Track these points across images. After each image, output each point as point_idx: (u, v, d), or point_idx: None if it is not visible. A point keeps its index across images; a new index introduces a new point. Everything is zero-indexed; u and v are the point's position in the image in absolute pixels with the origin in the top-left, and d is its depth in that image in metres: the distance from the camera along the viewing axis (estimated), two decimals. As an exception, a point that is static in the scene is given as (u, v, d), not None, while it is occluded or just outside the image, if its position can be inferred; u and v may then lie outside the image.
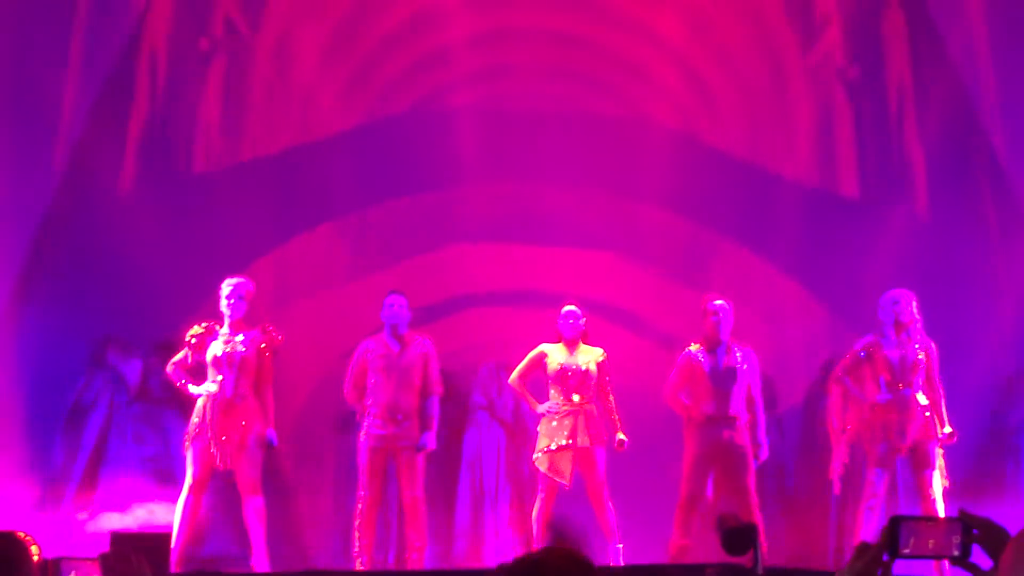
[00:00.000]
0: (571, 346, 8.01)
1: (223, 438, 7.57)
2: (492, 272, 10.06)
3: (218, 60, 9.98)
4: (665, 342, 9.41)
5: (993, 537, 2.34)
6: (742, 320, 8.21)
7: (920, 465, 7.85)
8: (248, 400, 7.67)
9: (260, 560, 7.55)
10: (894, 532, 2.34)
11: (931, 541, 2.34)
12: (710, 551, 6.51)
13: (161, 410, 9.09)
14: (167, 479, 8.71)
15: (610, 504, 7.75)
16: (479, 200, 10.05)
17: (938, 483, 7.80)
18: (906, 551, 2.34)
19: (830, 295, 9.88)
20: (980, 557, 2.40)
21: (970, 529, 2.35)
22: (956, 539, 2.35)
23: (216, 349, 7.71)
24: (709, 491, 7.91)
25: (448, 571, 7.28)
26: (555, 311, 8.08)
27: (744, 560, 3.83)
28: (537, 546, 7.48)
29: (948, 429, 7.88)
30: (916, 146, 10.03)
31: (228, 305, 7.77)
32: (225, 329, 7.78)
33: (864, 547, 2.35)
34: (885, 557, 2.34)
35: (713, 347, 7.95)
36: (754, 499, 7.79)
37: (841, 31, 10.16)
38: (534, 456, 7.90)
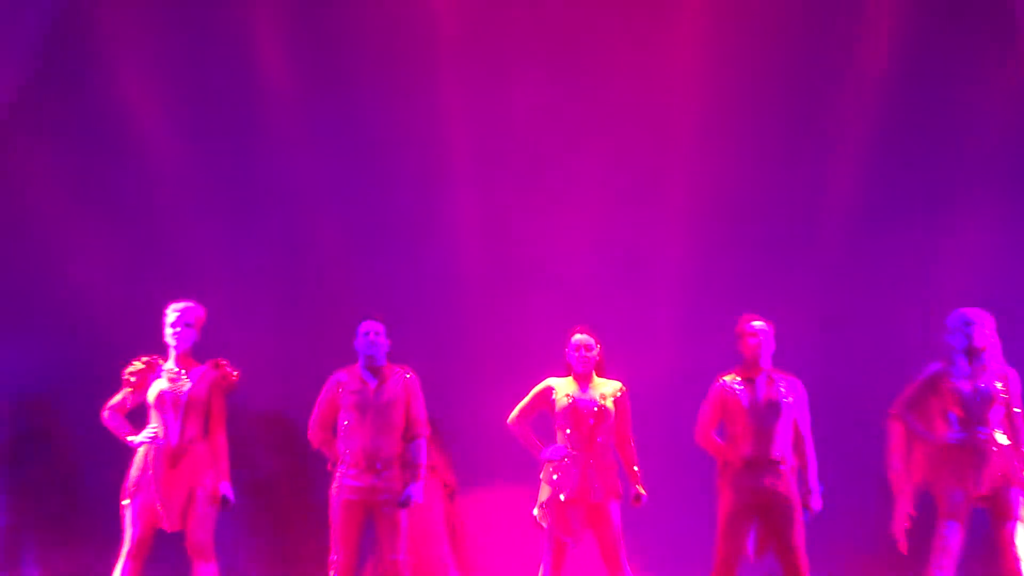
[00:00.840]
0: (583, 380, 7.98)
1: (169, 493, 7.54)
2: (487, 279, 10.11)
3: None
4: (693, 372, 9.39)
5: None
6: (786, 344, 8.19)
7: (1001, 516, 7.82)
8: (198, 448, 7.66)
9: (214, 639, 7.52)
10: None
11: None
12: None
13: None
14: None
15: (627, 568, 7.72)
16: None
17: (1022, 538, 7.77)
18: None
19: (893, 311, 9.87)
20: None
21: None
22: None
23: (160, 388, 7.68)
24: (750, 550, 7.87)
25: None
26: (563, 334, 8.06)
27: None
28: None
29: (1033, 474, 7.86)
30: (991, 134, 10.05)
31: (174, 335, 7.75)
32: (170, 364, 7.76)
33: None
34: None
35: (752, 376, 7.92)
36: (803, 559, 7.74)
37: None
38: (535, 511, 7.86)
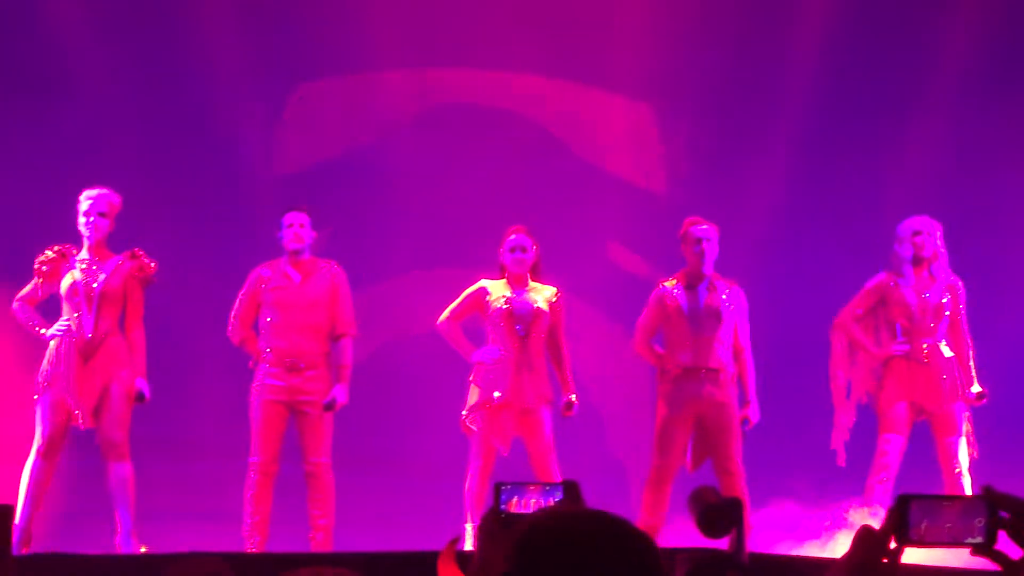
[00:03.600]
0: (518, 282, 7.99)
1: (82, 389, 7.52)
2: (417, 182, 10.06)
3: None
4: (633, 277, 9.45)
5: (1025, 519, 2.35)
6: (730, 249, 8.22)
7: (942, 431, 7.93)
8: (113, 342, 7.62)
9: (126, 539, 7.53)
10: (903, 513, 2.34)
11: (948, 524, 2.34)
12: (685, 533, 6.57)
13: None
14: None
15: (559, 478, 7.75)
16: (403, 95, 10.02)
17: (964, 453, 7.89)
18: (917, 537, 2.35)
19: (841, 217, 9.92)
20: (1008, 545, 2.42)
21: (997, 510, 2.36)
22: (979, 522, 2.35)
23: (73, 279, 7.62)
24: (687, 460, 7.94)
25: (359, 554, 7.29)
26: (499, 234, 8.06)
27: (724, 544, 3.85)
28: (473, 526, 7.49)
29: (977, 388, 7.96)
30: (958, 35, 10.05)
31: (87, 223, 7.68)
32: (84, 254, 7.70)
33: (866, 532, 2.35)
34: (892, 544, 2.35)
35: (693, 283, 7.94)
36: (740, 470, 7.82)
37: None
38: (463, 413, 7.90)
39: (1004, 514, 2.38)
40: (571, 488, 3.12)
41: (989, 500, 2.38)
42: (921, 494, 2.37)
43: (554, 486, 3.16)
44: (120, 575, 6.61)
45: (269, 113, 10.17)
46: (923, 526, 2.35)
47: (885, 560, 2.35)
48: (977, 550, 2.38)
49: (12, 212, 9.45)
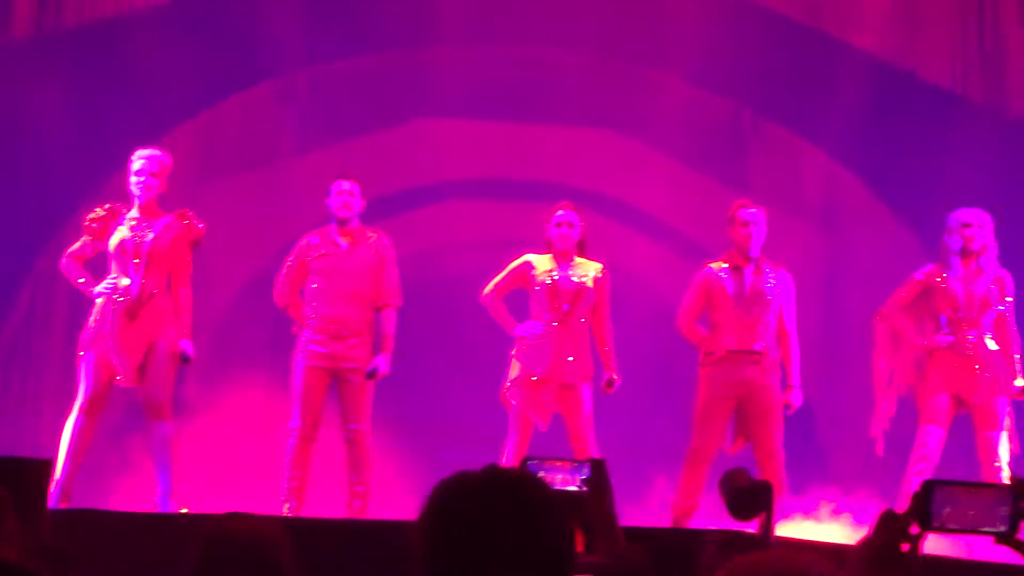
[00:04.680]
0: (563, 258, 8.03)
1: (127, 347, 7.58)
2: (469, 154, 10.05)
3: None
4: (686, 253, 9.45)
5: (1051, 512, 2.36)
6: (781, 230, 8.18)
7: (984, 424, 7.91)
8: (159, 302, 7.67)
9: (166, 499, 7.60)
10: (927, 499, 2.36)
11: (972, 512, 2.36)
12: (721, 515, 6.60)
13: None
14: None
15: (596, 455, 7.73)
16: (456, 64, 10.01)
17: (1005, 448, 7.88)
18: (939, 523, 2.37)
19: (905, 204, 9.88)
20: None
21: (1021, 500, 2.38)
22: (1004, 511, 2.37)
23: (121, 237, 7.69)
24: (726, 443, 7.96)
25: (395, 522, 7.33)
26: (546, 210, 8.09)
27: (752, 526, 3.88)
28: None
29: (1021, 382, 7.95)
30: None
31: (138, 184, 7.72)
32: (134, 213, 7.75)
33: (890, 516, 2.38)
34: (915, 529, 2.37)
35: (740, 265, 7.96)
36: (780, 454, 7.83)
37: None
38: (504, 388, 7.96)
39: (1029, 505, 2.40)
40: (597, 466, 3.16)
41: (1015, 490, 2.40)
42: (946, 480, 2.40)
43: (581, 463, 3.19)
44: (158, 533, 6.67)
45: (318, 81, 10.19)
46: (946, 512, 2.38)
47: (907, 546, 2.37)
48: (1000, 539, 2.40)
49: (64, 171, 9.54)
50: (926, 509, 2.37)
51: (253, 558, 2.92)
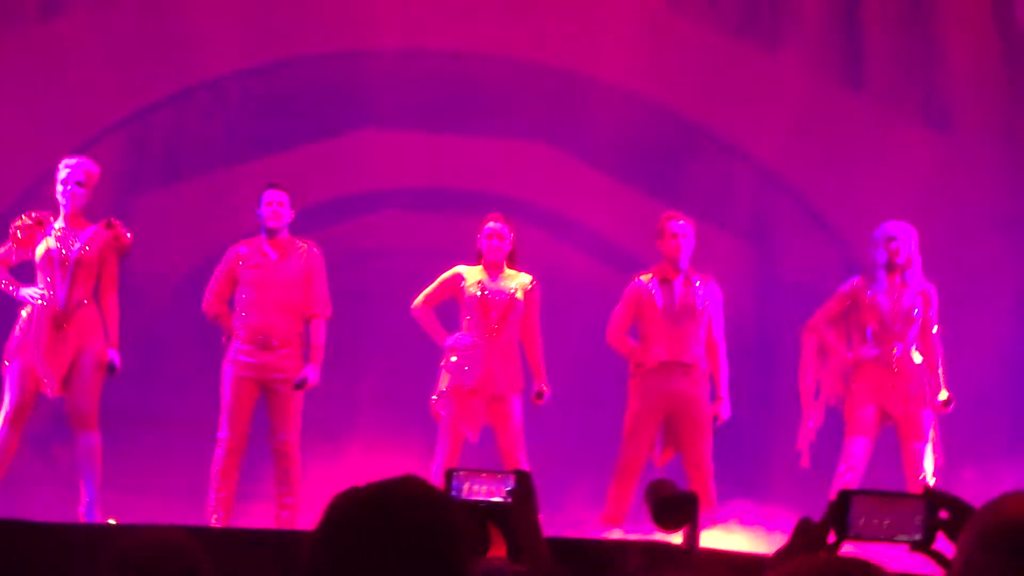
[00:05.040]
0: (494, 269, 8.05)
1: (53, 358, 7.53)
2: (401, 165, 10.05)
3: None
4: (617, 265, 9.48)
5: (964, 521, 2.40)
6: (711, 242, 8.21)
7: (909, 436, 7.97)
8: (86, 311, 7.64)
9: (90, 510, 7.56)
10: (843, 508, 2.40)
11: (887, 521, 2.40)
12: (649, 526, 6.63)
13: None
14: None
15: (526, 465, 7.73)
16: (390, 75, 10.01)
17: (929, 459, 7.95)
18: (855, 532, 2.40)
19: (834, 216, 9.95)
20: (947, 544, 2.46)
21: (936, 510, 2.41)
22: (918, 520, 2.41)
23: (48, 247, 7.64)
24: (656, 453, 8.00)
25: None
26: (477, 221, 8.11)
27: (678, 537, 3.90)
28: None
29: (945, 395, 8.02)
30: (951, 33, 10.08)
31: (64, 192, 7.68)
32: (60, 223, 7.70)
33: (806, 524, 2.41)
34: (832, 538, 2.40)
35: (669, 277, 8.01)
36: (709, 466, 7.88)
37: None
38: (432, 398, 7.97)
39: (944, 514, 2.44)
40: (522, 478, 3.17)
41: (929, 500, 2.44)
42: (862, 490, 2.43)
43: (506, 474, 3.20)
44: (82, 545, 6.63)
45: (254, 86, 10.15)
46: (862, 522, 2.41)
47: (823, 554, 2.40)
48: (915, 547, 2.44)
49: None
50: (843, 518, 2.40)
51: (171, 571, 2.89)
